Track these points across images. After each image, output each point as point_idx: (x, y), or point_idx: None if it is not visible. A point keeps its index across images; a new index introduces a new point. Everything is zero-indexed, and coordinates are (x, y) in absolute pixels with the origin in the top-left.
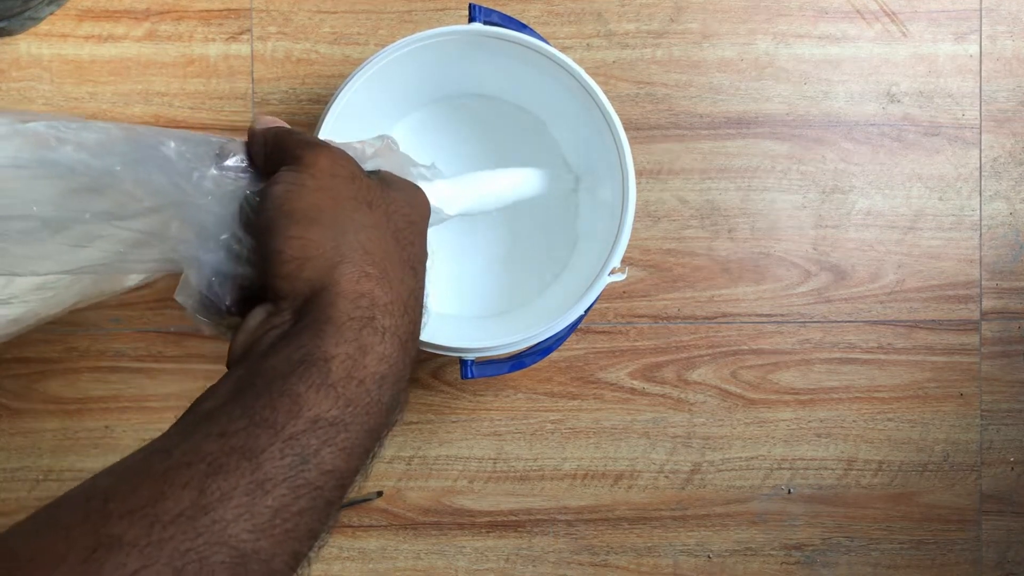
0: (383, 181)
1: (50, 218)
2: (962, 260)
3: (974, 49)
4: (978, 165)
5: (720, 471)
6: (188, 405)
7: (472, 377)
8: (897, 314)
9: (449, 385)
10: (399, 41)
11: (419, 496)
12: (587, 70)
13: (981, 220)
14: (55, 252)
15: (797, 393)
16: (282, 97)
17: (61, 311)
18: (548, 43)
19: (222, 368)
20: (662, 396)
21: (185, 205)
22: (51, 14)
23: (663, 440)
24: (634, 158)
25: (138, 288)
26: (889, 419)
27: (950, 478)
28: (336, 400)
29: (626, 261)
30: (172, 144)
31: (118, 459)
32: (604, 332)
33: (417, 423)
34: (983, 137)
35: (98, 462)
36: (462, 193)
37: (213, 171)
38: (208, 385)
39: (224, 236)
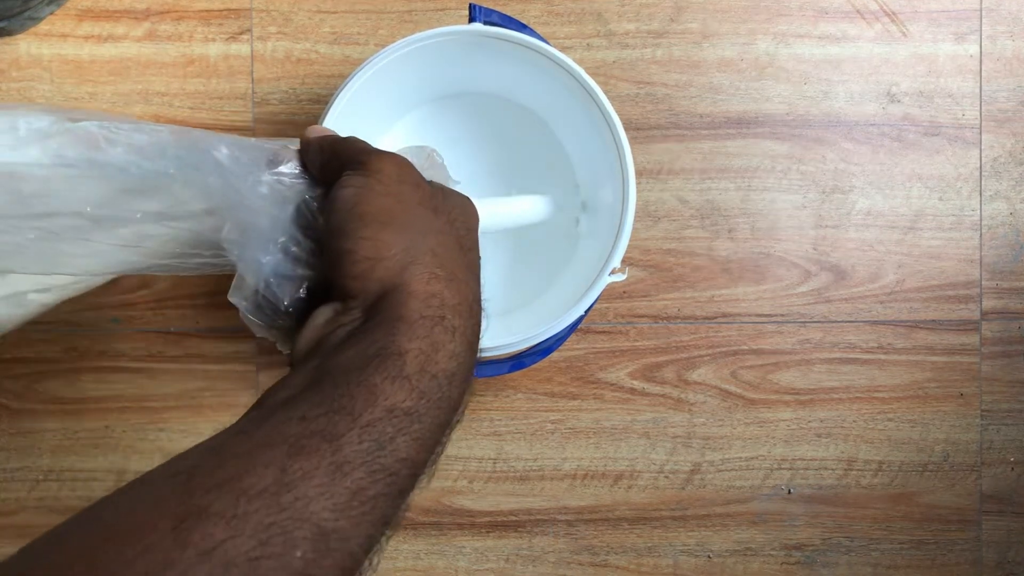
0: (441, 189)
1: (101, 217)
2: (962, 260)
3: (974, 49)
4: (978, 165)
5: (720, 471)
6: (188, 405)
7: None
8: (897, 314)
9: None
10: (399, 41)
11: (419, 496)
12: (587, 70)
13: (981, 220)
14: (105, 251)
15: (797, 393)
16: (282, 97)
17: (83, 294)
18: (548, 43)
19: (222, 368)
20: (662, 396)
21: (240, 208)
22: (51, 14)
23: (663, 440)
24: (634, 158)
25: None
26: (889, 419)
27: (950, 478)
28: (411, 392)
29: (626, 261)
30: (224, 149)
31: (118, 459)
32: (604, 332)
33: None
34: (983, 137)
35: (98, 462)
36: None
37: (267, 176)
38: (207, 385)
39: (282, 239)
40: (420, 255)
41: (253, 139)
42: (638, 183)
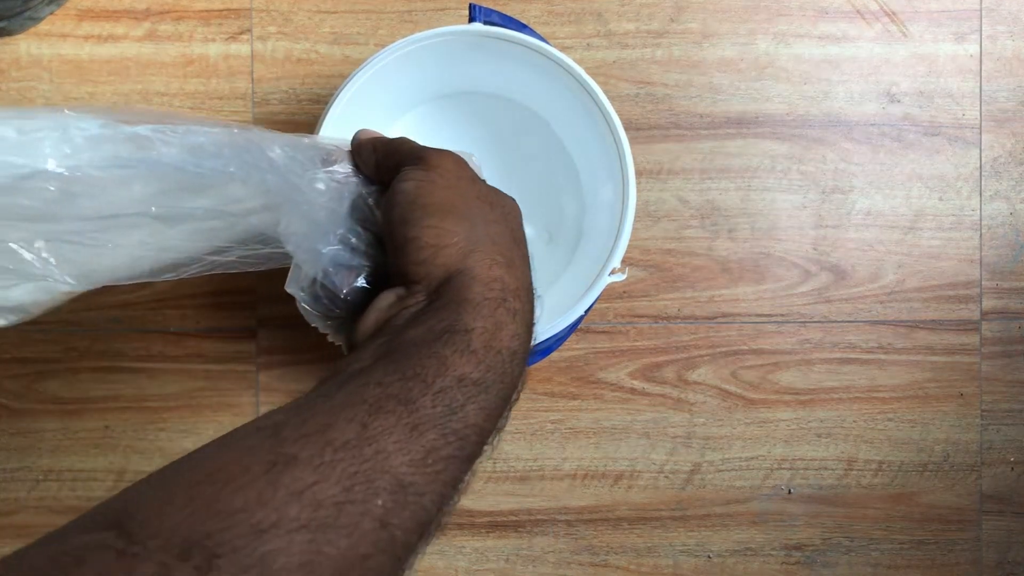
0: (492, 187)
1: (162, 215)
2: (962, 260)
3: (974, 49)
4: (978, 165)
5: (720, 471)
6: (188, 405)
7: None
8: (897, 314)
9: None
10: (399, 41)
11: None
12: (587, 70)
13: (981, 220)
14: (173, 247)
15: (797, 393)
16: (282, 97)
17: (86, 292)
18: (548, 43)
19: (222, 368)
20: (662, 396)
21: (299, 203)
22: (51, 14)
23: (663, 440)
24: (634, 158)
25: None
26: (889, 419)
27: (950, 478)
28: (477, 364)
29: (626, 261)
30: (278, 149)
31: (118, 459)
32: (604, 332)
33: None
34: (983, 137)
35: (98, 462)
36: None
37: (322, 173)
38: (207, 385)
39: (340, 231)
40: (480, 243)
41: (306, 138)
42: (638, 183)
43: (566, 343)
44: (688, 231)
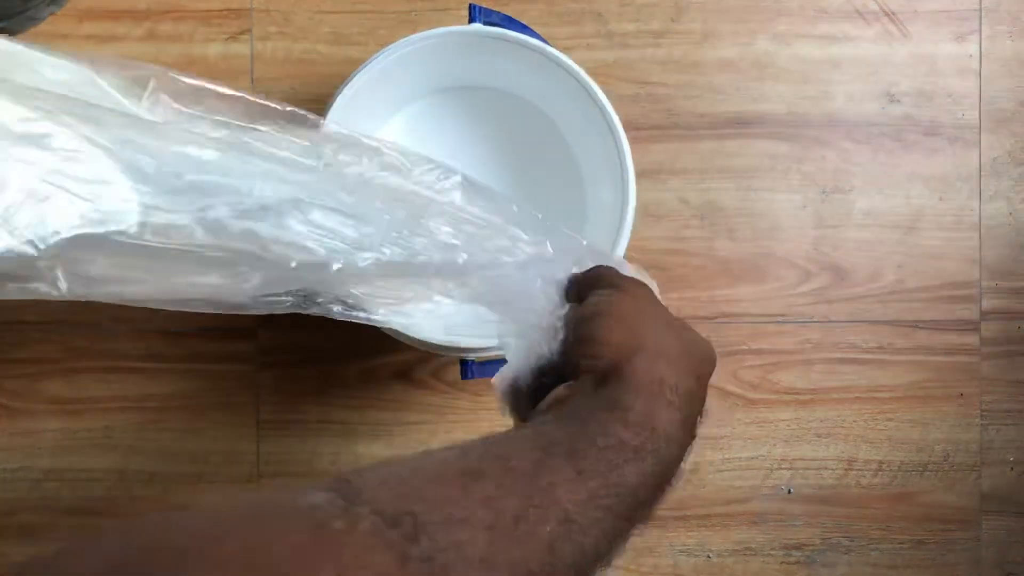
0: (683, 322)
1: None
2: (962, 260)
3: (974, 49)
4: (978, 165)
5: (720, 471)
6: (188, 405)
7: (472, 377)
8: (897, 314)
9: (449, 385)
10: (399, 41)
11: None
12: (587, 70)
13: (981, 220)
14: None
15: (797, 393)
16: (282, 97)
17: None
18: (548, 43)
19: (222, 368)
20: None
21: (527, 312)
22: (52, 14)
23: None
24: (634, 158)
25: None
26: (889, 419)
27: (950, 478)
28: (636, 435)
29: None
30: (539, 283)
31: (118, 459)
32: None
33: (417, 423)
34: (983, 137)
35: (98, 462)
36: None
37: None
38: (207, 385)
39: (542, 344)
40: (648, 344)
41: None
42: (638, 183)
43: None
44: (688, 231)
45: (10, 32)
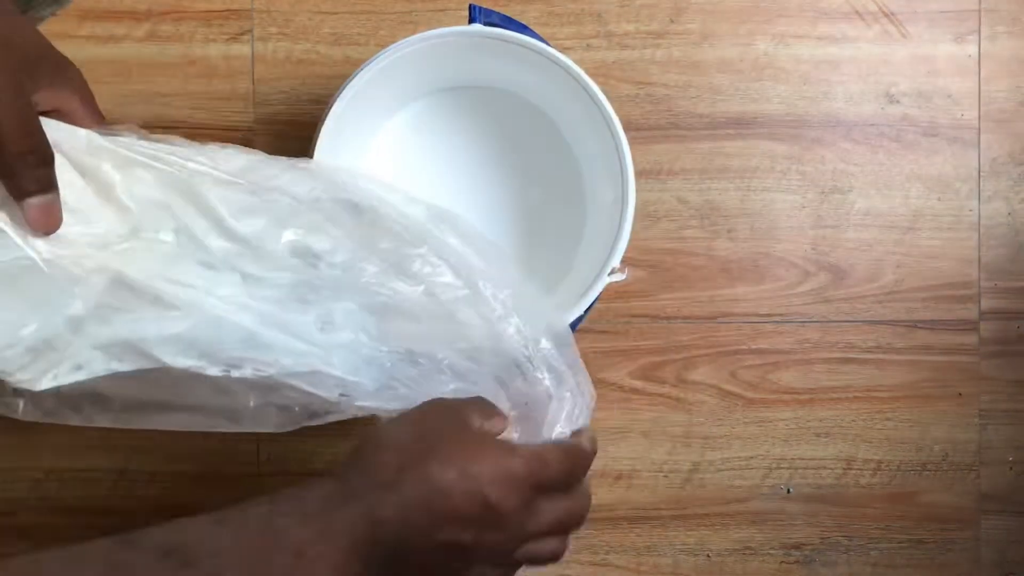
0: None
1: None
2: (961, 260)
3: (973, 49)
4: (977, 165)
5: (719, 471)
6: None
7: None
8: (896, 314)
9: None
10: (400, 42)
11: None
12: (587, 71)
13: (980, 220)
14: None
15: (796, 393)
16: (283, 98)
17: None
18: (548, 44)
19: None
20: (661, 396)
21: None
22: (52, 15)
23: (662, 440)
24: (634, 158)
25: None
26: (888, 419)
27: (949, 478)
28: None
29: (626, 261)
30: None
31: (118, 459)
32: (604, 332)
33: None
34: (982, 137)
35: (99, 462)
36: None
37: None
38: None
39: None
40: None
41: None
42: (638, 183)
43: None
44: (687, 231)
45: None
